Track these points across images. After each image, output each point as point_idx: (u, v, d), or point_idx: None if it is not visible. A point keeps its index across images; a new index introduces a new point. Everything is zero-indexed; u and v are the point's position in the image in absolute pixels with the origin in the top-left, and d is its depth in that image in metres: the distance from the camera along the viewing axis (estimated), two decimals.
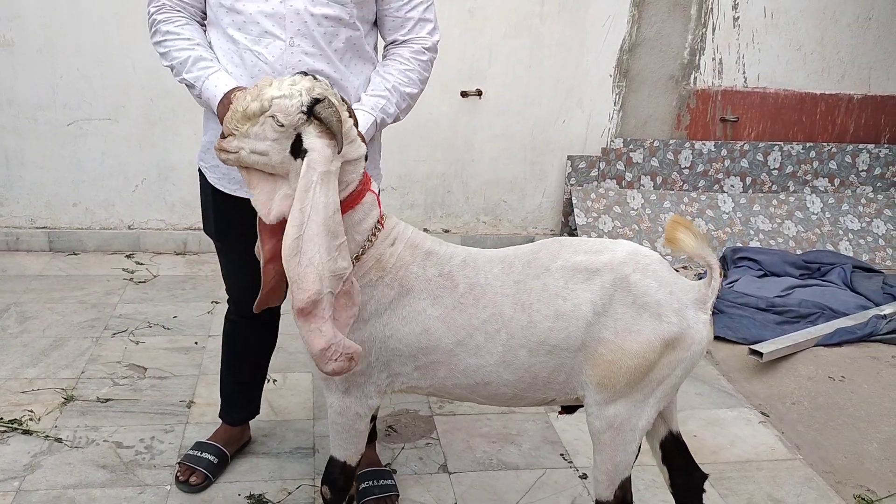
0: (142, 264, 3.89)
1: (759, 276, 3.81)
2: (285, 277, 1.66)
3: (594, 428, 1.72)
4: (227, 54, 1.86)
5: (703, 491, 1.91)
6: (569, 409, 1.89)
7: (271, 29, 1.80)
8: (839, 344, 3.24)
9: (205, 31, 1.94)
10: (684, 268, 4.06)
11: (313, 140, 1.53)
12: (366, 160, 1.69)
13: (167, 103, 3.83)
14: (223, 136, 1.58)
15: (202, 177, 2.07)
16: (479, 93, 4.01)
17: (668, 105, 4.23)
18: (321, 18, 1.81)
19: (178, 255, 4.06)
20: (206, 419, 2.57)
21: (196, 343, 3.10)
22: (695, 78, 4.19)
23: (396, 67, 1.94)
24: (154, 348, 3.04)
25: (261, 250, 1.71)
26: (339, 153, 1.58)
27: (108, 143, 3.89)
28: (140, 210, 4.02)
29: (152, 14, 1.89)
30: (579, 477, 2.40)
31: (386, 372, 1.75)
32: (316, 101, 1.53)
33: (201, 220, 2.20)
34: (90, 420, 2.53)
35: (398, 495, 2.23)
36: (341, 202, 1.59)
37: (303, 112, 1.52)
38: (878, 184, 4.52)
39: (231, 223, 2.04)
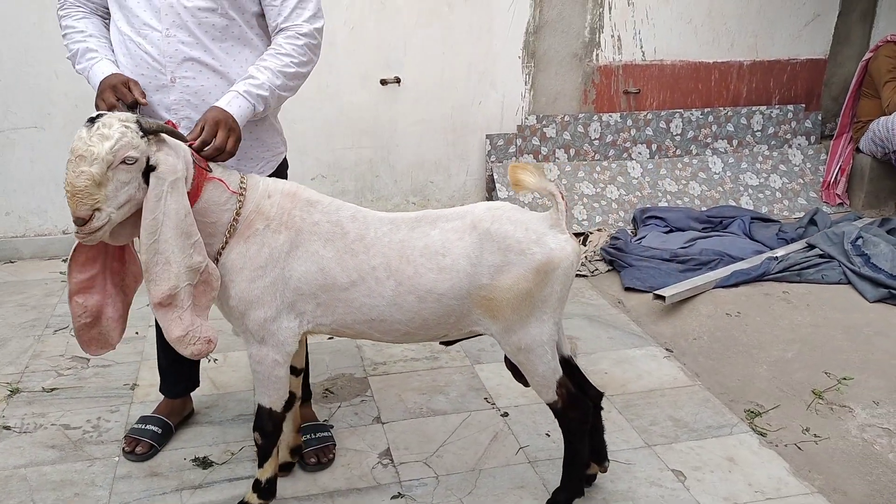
0: None
1: (666, 232, 4.12)
2: (100, 316, 1.98)
3: (509, 354, 2.00)
4: (119, 45, 2.07)
5: (601, 408, 2.17)
6: (448, 343, 2.14)
7: (150, 21, 2.00)
8: (736, 285, 3.55)
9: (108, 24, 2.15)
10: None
11: (157, 156, 1.72)
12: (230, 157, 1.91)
13: (92, 107, 3.91)
14: (81, 223, 1.68)
15: None
16: (398, 80, 4.21)
17: (574, 81, 4.51)
18: (194, 10, 1.99)
19: None
20: (150, 398, 2.71)
21: (137, 333, 3.22)
22: (597, 55, 4.48)
23: (269, 53, 2.03)
24: None
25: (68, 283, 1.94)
26: (189, 144, 1.83)
27: (37, 151, 3.96)
28: None
29: (58, 11, 2.14)
30: (501, 415, 2.64)
31: (293, 313, 1.95)
32: (138, 123, 1.71)
33: None
34: (37, 408, 2.66)
35: (335, 444, 2.43)
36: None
37: (142, 137, 1.71)
38: (773, 142, 4.89)
39: None
